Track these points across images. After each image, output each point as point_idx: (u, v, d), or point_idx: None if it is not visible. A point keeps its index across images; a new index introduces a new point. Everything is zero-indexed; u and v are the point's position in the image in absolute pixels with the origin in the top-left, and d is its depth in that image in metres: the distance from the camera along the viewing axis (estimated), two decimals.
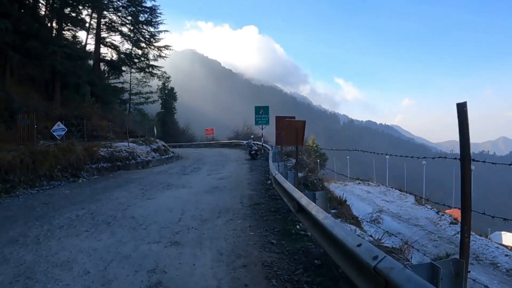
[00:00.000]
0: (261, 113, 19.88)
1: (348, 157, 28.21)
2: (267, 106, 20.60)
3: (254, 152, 17.27)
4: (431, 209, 17.81)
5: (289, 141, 14.55)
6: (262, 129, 20.12)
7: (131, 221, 5.77)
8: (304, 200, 4.04)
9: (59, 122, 12.92)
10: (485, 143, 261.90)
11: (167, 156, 18.52)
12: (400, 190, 23.24)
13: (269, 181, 9.68)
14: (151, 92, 35.09)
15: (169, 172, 12.97)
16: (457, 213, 15.61)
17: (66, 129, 12.83)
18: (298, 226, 5.31)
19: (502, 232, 19.87)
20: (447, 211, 17.10)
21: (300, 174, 11.08)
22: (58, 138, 12.68)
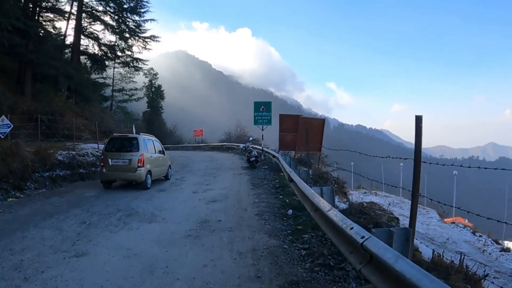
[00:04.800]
0: (262, 110, 16.33)
1: (352, 163, 25.48)
2: (269, 102, 17.03)
3: (253, 159, 14.18)
4: (464, 228, 14.75)
5: (309, 144, 11.12)
6: (262, 130, 16.84)
7: None
8: None
9: (3, 117, 9.90)
10: (473, 148, 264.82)
11: None
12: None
13: (290, 210, 6.79)
14: (136, 89, 32.02)
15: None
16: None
17: (12, 126, 9.82)
18: None
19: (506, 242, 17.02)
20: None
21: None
22: (2, 136, 9.69)
